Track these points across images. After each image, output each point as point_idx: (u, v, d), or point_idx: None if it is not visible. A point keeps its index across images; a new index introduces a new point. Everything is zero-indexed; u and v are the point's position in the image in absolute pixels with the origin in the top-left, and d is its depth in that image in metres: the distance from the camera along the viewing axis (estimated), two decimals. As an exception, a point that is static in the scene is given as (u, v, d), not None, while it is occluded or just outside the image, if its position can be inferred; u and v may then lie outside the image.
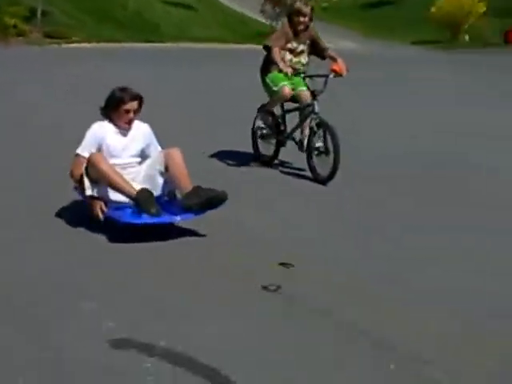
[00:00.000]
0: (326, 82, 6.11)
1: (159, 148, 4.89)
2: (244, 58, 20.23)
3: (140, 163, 4.82)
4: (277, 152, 6.75)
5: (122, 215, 4.40)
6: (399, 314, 3.39)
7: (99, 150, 4.65)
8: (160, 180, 4.67)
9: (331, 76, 6.12)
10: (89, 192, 4.52)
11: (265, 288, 3.59)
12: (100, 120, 4.79)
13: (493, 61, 23.53)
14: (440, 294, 3.64)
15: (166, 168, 4.62)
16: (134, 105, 4.66)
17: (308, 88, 6.27)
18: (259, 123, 6.67)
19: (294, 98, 6.48)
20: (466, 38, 33.17)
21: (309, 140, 6.27)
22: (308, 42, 6.52)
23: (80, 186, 4.62)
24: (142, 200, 4.36)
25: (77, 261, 3.99)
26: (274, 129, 6.66)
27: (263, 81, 6.57)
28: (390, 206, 5.47)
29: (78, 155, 4.68)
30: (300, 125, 6.46)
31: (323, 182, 6.03)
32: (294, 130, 6.58)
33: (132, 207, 4.48)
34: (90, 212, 4.51)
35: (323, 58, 6.62)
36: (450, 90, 14.04)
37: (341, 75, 6.18)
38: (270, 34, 6.86)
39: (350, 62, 6.41)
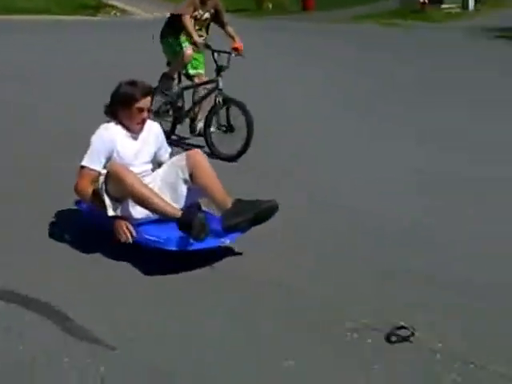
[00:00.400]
0: (229, 60, 6.14)
1: (169, 150, 4.36)
2: (72, 28, 20.42)
3: (152, 170, 4.19)
4: (173, 129, 6.65)
5: (165, 243, 3.70)
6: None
7: (109, 159, 3.94)
8: (184, 189, 4.01)
9: (233, 55, 6.19)
10: (111, 212, 3.81)
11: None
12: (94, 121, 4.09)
13: (293, 25, 25.41)
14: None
15: (191, 175, 3.96)
16: (147, 101, 3.98)
17: (215, 62, 6.17)
18: (163, 90, 6.48)
19: (189, 77, 6.55)
20: (270, 6, 35.04)
21: (212, 117, 6.18)
22: (212, 10, 6.48)
23: (97, 204, 3.90)
24: (196, 225, 3.57)
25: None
26: (175, 102, 6.52)
27: (166, 43, 6.45)
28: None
29: (84, 168, 3.93)
30: (201, 101, 6.43)
31: (231, 159, 5.98)
32: (193, 107, 6.54)
33: (161, 225, 3.82)
34: (116, 235, 3.83)
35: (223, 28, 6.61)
36: (259, 50, 15.06)
37: (241, 55, 6.27)
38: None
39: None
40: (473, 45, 16.85)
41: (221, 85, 6.11)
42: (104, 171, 3.97)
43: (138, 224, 3.87)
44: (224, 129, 6.17)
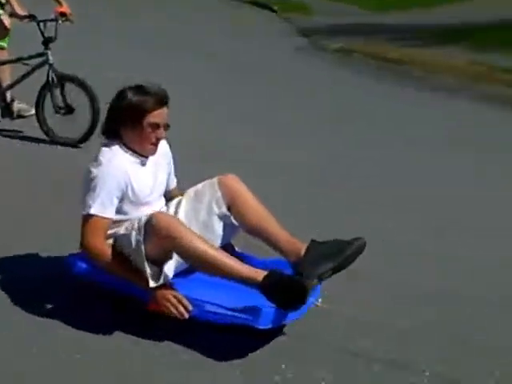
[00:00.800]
0: (56, 28, 5.27)
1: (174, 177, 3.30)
2: None
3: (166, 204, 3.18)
4: None
5: (255, 319, 2.67)
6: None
7: (122, 199, 2.90)
8: (219, 228, 3.04)
9: (60, 22, 5.28)
10: (153, 283, 2.72)
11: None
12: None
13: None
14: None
15: (229, 209, 3.02)
16: (163, 114, 2.94)
17: (42, 34, 5.25)
18: None
19: None
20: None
21: (44, 97, 5.34)
22: None
23: (118, 270, 2.79)
24: (308, 292, 2.63)
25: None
26: None
27: None
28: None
29: (93, 217, 2.82)
30: (21, 80, 5.44)
31: (74, 144, 5.15)
32: (11, 87, 5.50)
33: (214, 288, 2.82)
34: (163, 310, 2.72)
35: None
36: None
37: (70, 20, 5.34)
38: None
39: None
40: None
41: (51, 59, 5.24)
42: (117, 217, 2.90)
43: (187, 291, 2.78)
44: (62, 111, 5.32)
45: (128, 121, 2.90)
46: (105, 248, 2.81)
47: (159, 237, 2.69)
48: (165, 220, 2.74)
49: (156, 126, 2.91)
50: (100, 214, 2.81)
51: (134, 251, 2.75)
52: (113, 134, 2.96)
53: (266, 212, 3.01)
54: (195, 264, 2.79)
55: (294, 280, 2.66)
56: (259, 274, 2.70)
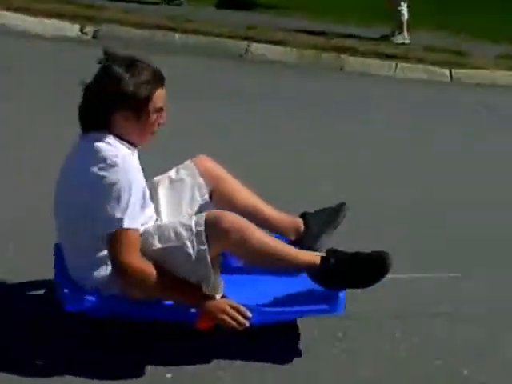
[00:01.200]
0: None
1: None
2: None
3: None
4: None
5: (332, 308, 2.49)
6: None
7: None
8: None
9: None
10: (219, 294, 2.42)
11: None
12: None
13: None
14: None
15: (210, 195, 2.72)
16: (164, 94, 2.44)
17: None
18: None
19: None
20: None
21: None
22: None
23: (165, 289, 2.36)
24: (388, 269, 2.44)
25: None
26: None
27: None
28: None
29: (127, 231, 2.28)
30: None
31: None
32: None
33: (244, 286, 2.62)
34: (221, 323, 2.37)
35: None
36: None
37: None
38: None
39: None
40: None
41: None
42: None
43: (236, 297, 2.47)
44: None
45: (126, 108, 2.34)
46: (146, 266, 2.31)
47: (229, 241, 2.37)
48: (236, 221, 2.40)
49: (160, 110, 2.43)
50: (132, 226, 2.29)
51: (194, 263, 2.34)
52: (102, 124, 2.38)
53: (251, 193, 2.78)
54: (257, 261, 2.51)
55: (372, 255, 2.47)
56: (318, 257, 2.51)
